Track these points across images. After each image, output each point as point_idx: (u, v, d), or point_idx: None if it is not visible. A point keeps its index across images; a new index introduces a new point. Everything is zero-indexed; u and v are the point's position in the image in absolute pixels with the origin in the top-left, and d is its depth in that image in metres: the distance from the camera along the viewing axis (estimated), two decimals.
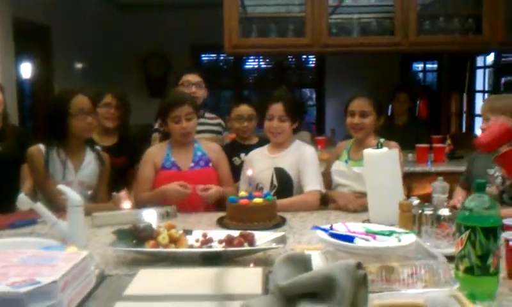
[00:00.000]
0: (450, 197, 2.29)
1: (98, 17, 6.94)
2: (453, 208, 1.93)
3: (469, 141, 2.80)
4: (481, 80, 6.24)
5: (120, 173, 3.00)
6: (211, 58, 8.60)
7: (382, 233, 1.54)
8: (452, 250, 1.54)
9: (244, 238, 1.79)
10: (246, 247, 1.77)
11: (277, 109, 2.74)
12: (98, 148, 2.86)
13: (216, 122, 3.56)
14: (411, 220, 1.87)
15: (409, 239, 1.50)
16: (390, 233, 1.53)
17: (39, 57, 5.79)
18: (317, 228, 1.58)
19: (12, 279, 1.25)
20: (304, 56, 8.15)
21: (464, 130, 6.45)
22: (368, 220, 2.08)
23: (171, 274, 1.62)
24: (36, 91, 5.80)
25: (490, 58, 5.95)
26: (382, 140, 2.63)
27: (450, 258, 1.47)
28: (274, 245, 1.79)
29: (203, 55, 8.39)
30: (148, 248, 1.77)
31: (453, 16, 4.14)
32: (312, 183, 2.67)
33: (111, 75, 6.66)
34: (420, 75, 8.00)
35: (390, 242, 1.49)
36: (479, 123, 2.82)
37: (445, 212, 1.81)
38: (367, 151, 2.19)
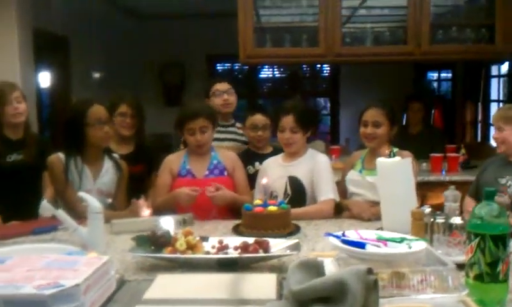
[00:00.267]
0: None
1: (115, 27, 7.05)
2: None
3: (483, 150, 2.82)
4: (496, 89, 6.23)
5: (137, 181, 3.06)
6: (226, 67, 8.68)
7: (393, 240, 1.58)
8: (463, 258, 1.57)
9: (259, 245, 1.84)
10: (261, 254, 1.81)
11: (288, 120, 2.78)
12: (116, 156, 2.92)
13: (240, 131, 3.60)
14: (423, 228, 1.89)
15: (420, 246, 1.53)
16: (401, 240, 1.57)
17: (57, 67, 5.89)
18: (329, 234, 1.62)
19: (37, 282, 1.31)
20: (319, 65, 8.19)
21: (479, 139, 6.43)
22: (381, 229, 2.11)
23: (188, 279, 1.67)
24: (54, 100, 5.90)
25: (505, 67, 5.94)
26: (395, 149, 2.67)
27: (461, 266, 1.50)
28: (288, 252, 1.83)
29: (218, 65, 8.47)
30: (166, 254, 1.82)
31: (466, 26, 4.14)
32: (327, 192, 2.71)
33: (128, 84, 6.75)
34: (435, 84, 8.00)
35: (401, 248, 1.53)
36: (493, 132, 2.84)
37: (456, 220, 1.84)
38: (380, 160, 2.23)
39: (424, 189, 3.59)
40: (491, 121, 2.87)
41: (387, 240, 1.58)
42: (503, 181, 2.64)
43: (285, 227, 2.26)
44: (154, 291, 1.54)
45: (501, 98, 6.14)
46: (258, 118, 3.36)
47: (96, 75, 6.89)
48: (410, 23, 4.09)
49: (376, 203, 2.50)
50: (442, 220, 1.85)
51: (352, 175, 2.86)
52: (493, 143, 3.40)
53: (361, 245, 1.51)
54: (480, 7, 4.28)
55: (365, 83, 6.96)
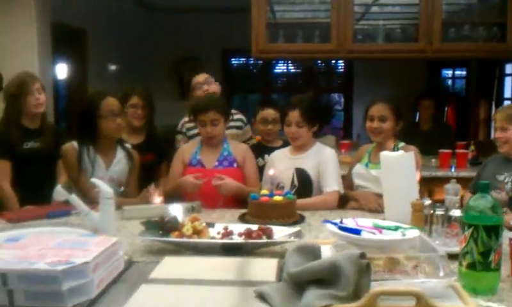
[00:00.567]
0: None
1: (132, 21, 7.14)
2: None
3: (494, 148, 2.85)
4: (510, 87, 6.22)
5: (147, 170, 3.14)
6: (241, 62, 8.74)
7: (388, 228, 1.64)
8: (458, 249, 1.62)
9: (262, 232, 1.91)
10: (264, 240, 1.88)
11: (294, 115, 2.84)
12: (128, 146, 3.01)
13: (237, 117, 3.65)
14: (422, 219, 1.95)
15: (413, 234, 1.59)
16: (396, 228, 1.63)
17: (75, 59, 6.01)
18: (327, 221, 1.69)
19: (49, 259, 1.38)
20: (334, 61, 8.20)
21: (492, 137, 6.42)
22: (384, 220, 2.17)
23: (193, 262, 1.74)
24: (70, 91, 6.02)
25: None
26: (402, 144, 2.72)
27: (456, 256, 1.56)
28: (291, 239, 1.89)
29: (233, 59, 8.54)
30: (173, 238, 1.90)
31: (478, 24, 4.17)
32: (332, 184, 2.77)
33: (143, 77, 6.85)
34: (449, 81, 8.00)
35: (395, 235, 1.59)
36: (495, 132, 2.85)
37: (456, 212, 1.89)
38: (383, 154, 2.28)
39: (432, 185, 3.65)
40: (493, 121, 2.89)
41: (382, 227, 1.64)
42: (501, 178, 2.68)
43: (289, 216, 2.32)
44: (160, 272, 1.62)
45: None
46: (269, 112, 3.42)
47: (113, 67, 6.99)
48: (422, 21, 4.12)
49: (381, 196, 2.56)
50: (441, 212, 1.91)
51: (358, 169, 2.92)
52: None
53: (357, 231, 1.58)
54: (492, 6, 4.29)
55: (378, 79, 6.97)
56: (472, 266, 1.48)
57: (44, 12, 4.72)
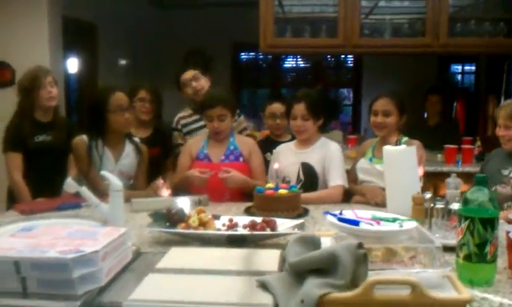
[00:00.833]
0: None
1: (143, 16, 7.19)
2: None
3: (500, 143, 2.88)
4: None
5: (154, 163, 3.20)
6: (250, 56, 8.78)
7: (386, 219, 1.69)
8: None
9: (266, 224, 1.96)
10: (268, 232, 1.93)
11: (300, 108, 2.89)
12: (136, 139, 3.07)
13: None
14: (423, 212, 1.99)
15: (410, 225, 1.64)
16: (394, 220, 1.68)
17: (86, 53, 6.08)
18: (327, 213, 1.74)
19: (60, 248, 1.43)
20: (343, 56, 8.21)
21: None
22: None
23: (199, 252, 1.79)
24: (81, 85, 6.10)
25: None
26: (405, 138, 2.76)
27: (455, 248, 1.60)
28: (294, 230, 1.94)
29: (242, 54, 8.57)
30: (179, 229, 1.95)
31: (484, 19, 4.18)
32: (336, 178, 2.82)
33: (153, 71, 6.90)
34: (459, 76, 8.00)
35: (392, 227, 1.64)
36: (498, 129, 2.85)
37: (456, 206, 1.93)
38: (386, 148, 2.33)
39: (437, 180, 3.68)
40: (495, 118, 2.89)
41: (381, 219, 1.69)
42: (506, 172, 2.71)
43: (294, 209, 2.36)
44: (167, 262, 1.67)
45: None
46: (277, 107, 3.47)
47: (123, 62, 7.06)
48: (429, 16, 4.13)
49: (385, 190, 2.60)
50: (442, 206, 1.95)
51: (363, 163, 2.96)
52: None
53: (355, 223, 1.63)
54: (499, 1, 4.30)
55: (387, 74, 6.98)
56: (468, 257, 1.52)
57: (56, 6, 4.79)
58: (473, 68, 7.50)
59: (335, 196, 2.78)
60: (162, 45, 7.54)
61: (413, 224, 1.64)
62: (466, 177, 3.26)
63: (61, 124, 3.35)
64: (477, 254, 1.51)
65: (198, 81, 3.56)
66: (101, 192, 2.40)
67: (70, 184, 2.21)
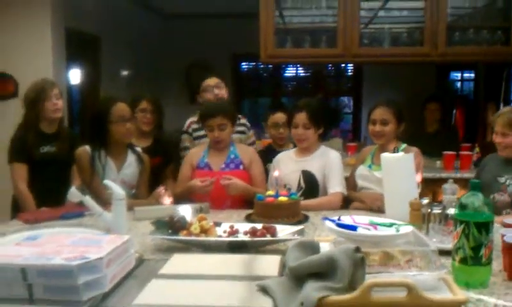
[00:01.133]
0: None
1: (144, 28, 7.26)
2: None
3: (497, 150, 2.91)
4: None
5: (155, 172, 3.24)
6: (251, 66, 8.83)
7: (383, 224, 1.73)
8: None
9: (266, 230, 2.00)
10: (268, 238, 1.96)
11: (301, 117, 2.94)
12: (138, 149, 3.10)
13: (240, 122, 3.65)
14: (420, 218, 2.03)
15: (406, 230, 1.68)
16: (390, 225, 1.72)
17: (88, 64, 6.12)
18: (326, 219, 1.78)
19: (65, 255, 1.47)
20: (343, 65, 8.26)
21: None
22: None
23: (201, 258, 1.83)
24: (84, 96, 6.14)
25: None
26: (403, 146, 2.80)
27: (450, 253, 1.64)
28: (294, 236, 1.97)
29: (243, 64, 8.62)
30: (181, 237, 1.99)
31: (482, 28, 4.20)
32: (336, 186, 2.87)
33: (155, 82, 6.96)
34: (458, 84, 8.04)
35: (389, 231, 1.68)
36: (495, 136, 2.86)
37: (452, 211, 1.96)
38: (384, 155, 2.37)
39: (436, 186, 3.71)
40: (492, 125, 2.92)
41: (378, 224, 1.73)
42: (502, 180, 2.74)
43: (294, 216, 2.40)
44: (170, 268, 1.70)
45: None
46: (279, 116, 3.52)
47: (125, 73, 7.11)
48: (427, 25, 4.15)
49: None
50: (438, 211, 1.99)
51: (362, 170, 3.00)
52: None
53: (353, 228, 1.67)
54: (497, 10, 4.32)
55: (387, 83, 7.03)
56: (463, 261, 1.56)
57: (59, 18, 4.84)
58: (472, 75, 7.53)
59: (334, 203, 2.82)
60: (163, 56, 7.61)
61: (409, 228, 1.68)
62: (465, 183, 3.27)
63: (65, 135, 3.40)
64: (472, 257, 1.55)
65: (220, 89, 3.60)
66: (104, 201, 2.43)
67: (74, 193, 2.24)
